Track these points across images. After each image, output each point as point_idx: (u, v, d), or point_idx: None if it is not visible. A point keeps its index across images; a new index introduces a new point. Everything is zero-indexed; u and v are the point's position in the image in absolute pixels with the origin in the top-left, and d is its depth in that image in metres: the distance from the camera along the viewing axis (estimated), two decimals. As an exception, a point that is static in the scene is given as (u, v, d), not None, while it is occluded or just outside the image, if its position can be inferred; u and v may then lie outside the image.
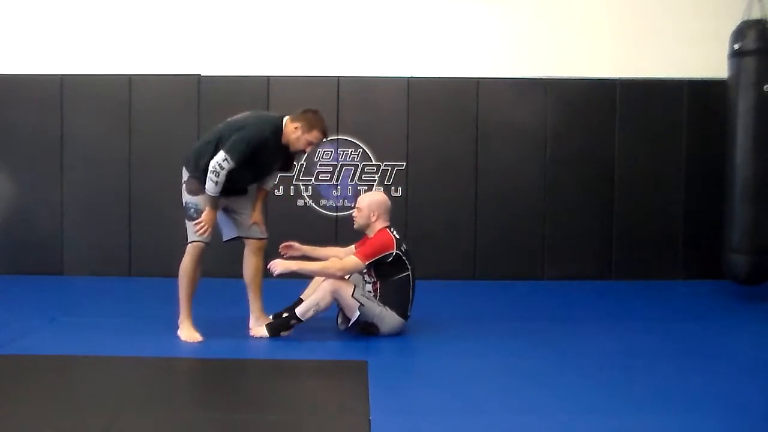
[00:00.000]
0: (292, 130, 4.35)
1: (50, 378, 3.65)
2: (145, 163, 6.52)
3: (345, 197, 6.62)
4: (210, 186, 4.22)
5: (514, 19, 6.73)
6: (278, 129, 4.35)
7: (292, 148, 4.41)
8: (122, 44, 6.66)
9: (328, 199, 6.63)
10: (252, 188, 4.63)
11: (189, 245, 4.37)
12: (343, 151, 6.61)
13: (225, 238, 4.58)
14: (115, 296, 5.80)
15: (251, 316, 4.52)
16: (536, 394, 3.49)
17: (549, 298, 5.94)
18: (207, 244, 4.36)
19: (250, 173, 4.42)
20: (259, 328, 4.41)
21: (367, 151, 6.61)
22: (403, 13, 6.73)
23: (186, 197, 4.38)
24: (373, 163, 6.61)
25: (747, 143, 5.65)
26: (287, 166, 4.72)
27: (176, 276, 4.39)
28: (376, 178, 6.61)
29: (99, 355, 4.01)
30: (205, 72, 6.57)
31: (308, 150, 4.46)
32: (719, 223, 5.90)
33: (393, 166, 6.62)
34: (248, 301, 4.54)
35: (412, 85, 6.60)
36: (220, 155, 4.19)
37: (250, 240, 4.52)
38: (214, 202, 4.30)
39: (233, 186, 4.35)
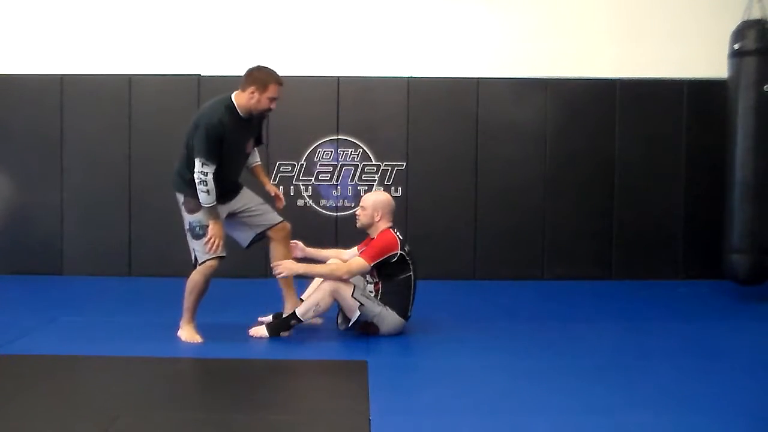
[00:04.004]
0: (248, 96, 4.23)
1: (50, 378, 3.65)
2: (145, 163, 6.52)
3: (345, 197, 6.62)
4: (204, 197, 4.16)
5: (514, 19, 6.74)
6: (229, 107, 4.25)
7: (256, 112, 4.29)
8: (122, 44, 6.67)
9: (328, 199, 6.63)
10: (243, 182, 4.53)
11: (201, 265, 4.28)
12: (343, 151, 6.61)
13: (245, 244, 4.52)
14: (115, 296, 5.80)
15: (286, 307, 4.50)
16: (536, 393, 3.49)
17: (549, 298, 5.94)
18: (221, 258, 4.30)
19: (232, 163, 4.32)
20: (258, 328, 4.41)
21: (367, 151, 6.61)
22: (403, 13, 6.73)
23: (188, 218, 4.31)
24: (373, 163, 6.62)
25: (747, 143, 5.65)
26: (258, 138, 4.55)
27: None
28: (376, 178, 6.62)
29: (99, 355, 4.01)
30: (205, 72, 6.57)
31: (273, 106, 4.31)
32: (719, 223, 5.90)
33: (393, 166, 6.62)
34: (282, 295, 4.51)
35: (412, 85, 6.60)
36: (197, 164, 4.13)
37: (272, 229, 4.47)
38: (215, 213, 4.23)
39: (225, 185, 4.28)
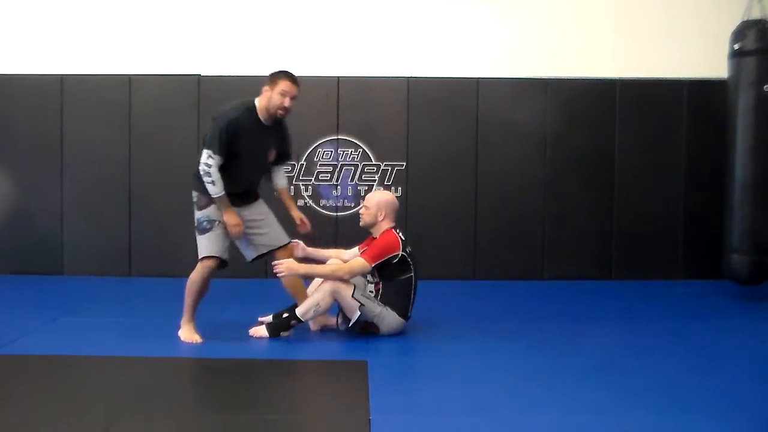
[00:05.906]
0: (264, 97, 4.28)
1: (50, 378, 3.65)
2: (145, 163, 6.53)
3: (345, 197, 6.62)
4: (211, 188, 4.17)
5: (514, 19, 6.74)
6: (250, 108, 4.28)
7: (272, 111, 4.27)
8: (122, 44, 6.67)
9: (328, 199, 6.63)
10: (262, 196, 4.52)
11: (200, 262, 4.31)
12: (343, 151, 6.61)
13: (249, 259, 4.55)
14: (115, 296, 5.80)
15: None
16: (536, 393, 3.49)
17: (549, 298, 5.93)
18: (221, 262, 4.30)
19: (248, 168, 4.33)
20: (258, 328, 4.41)
21: (367, 151, 6.61)
22: (403, 13, 6.73)
23: (197, 214, 4.33)
24: (373, 163, 6.62)
25: (747, 143, 5.65)
26: (283, 153, 4.55)
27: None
28: (376, 178, 6.62)
29: (99, 355, 4.01)
30: (205, 72, 6.58)
31: (286, 103, 4.25)
32: (719, 223, 5.90)
33: (393, 166, 6.62)
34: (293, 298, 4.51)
35: (412, 85, 6.60)
36: (203, 156, 4.17)
37: (277, 252, 4.48)
38: (226, 203, 4.23)
39: (240, 187, 4.30)
